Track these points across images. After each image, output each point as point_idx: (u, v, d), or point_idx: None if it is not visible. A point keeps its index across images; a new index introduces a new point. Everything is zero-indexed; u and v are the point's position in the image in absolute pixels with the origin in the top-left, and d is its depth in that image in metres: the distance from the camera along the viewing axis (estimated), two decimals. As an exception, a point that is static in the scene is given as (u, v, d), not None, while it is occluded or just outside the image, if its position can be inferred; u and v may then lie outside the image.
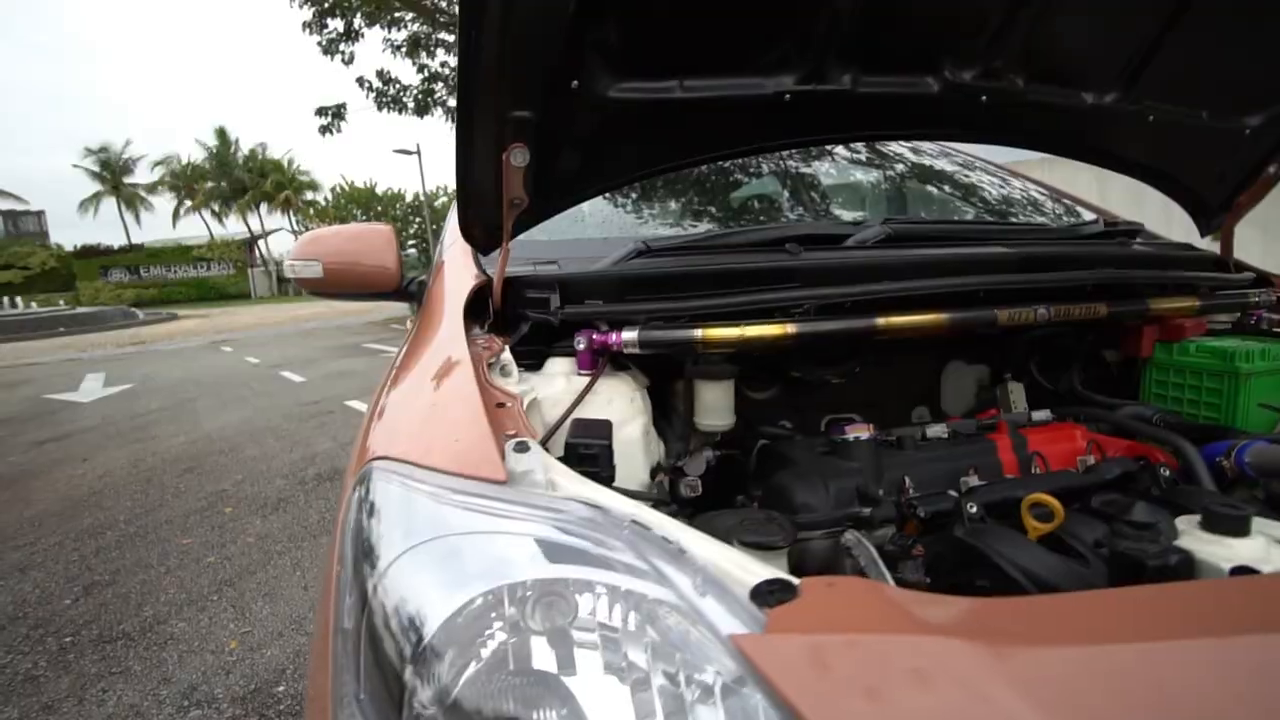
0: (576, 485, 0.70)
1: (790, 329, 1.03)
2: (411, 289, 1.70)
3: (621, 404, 1.08)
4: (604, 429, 0.90)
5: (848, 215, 1.96)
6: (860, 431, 1.05)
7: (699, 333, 1.03)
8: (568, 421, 0.99)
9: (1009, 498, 0.96)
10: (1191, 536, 0.59)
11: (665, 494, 1.06)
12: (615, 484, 0.98)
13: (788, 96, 1.14)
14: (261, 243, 37.59)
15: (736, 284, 1.14)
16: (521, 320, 1.15)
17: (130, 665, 2.33)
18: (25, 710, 2.13)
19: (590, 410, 1.05)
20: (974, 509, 0.88)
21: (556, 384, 1.07)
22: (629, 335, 1.05)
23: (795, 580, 0.52)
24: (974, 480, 1.02)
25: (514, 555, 0.59)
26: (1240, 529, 0.57)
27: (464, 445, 0.73)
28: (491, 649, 0.52)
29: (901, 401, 1.61)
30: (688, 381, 1.16)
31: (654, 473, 1.09)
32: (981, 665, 0.40)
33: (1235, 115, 1.44)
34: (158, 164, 40.33)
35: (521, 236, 1.33)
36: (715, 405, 1.13)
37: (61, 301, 23.83)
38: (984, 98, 1.26)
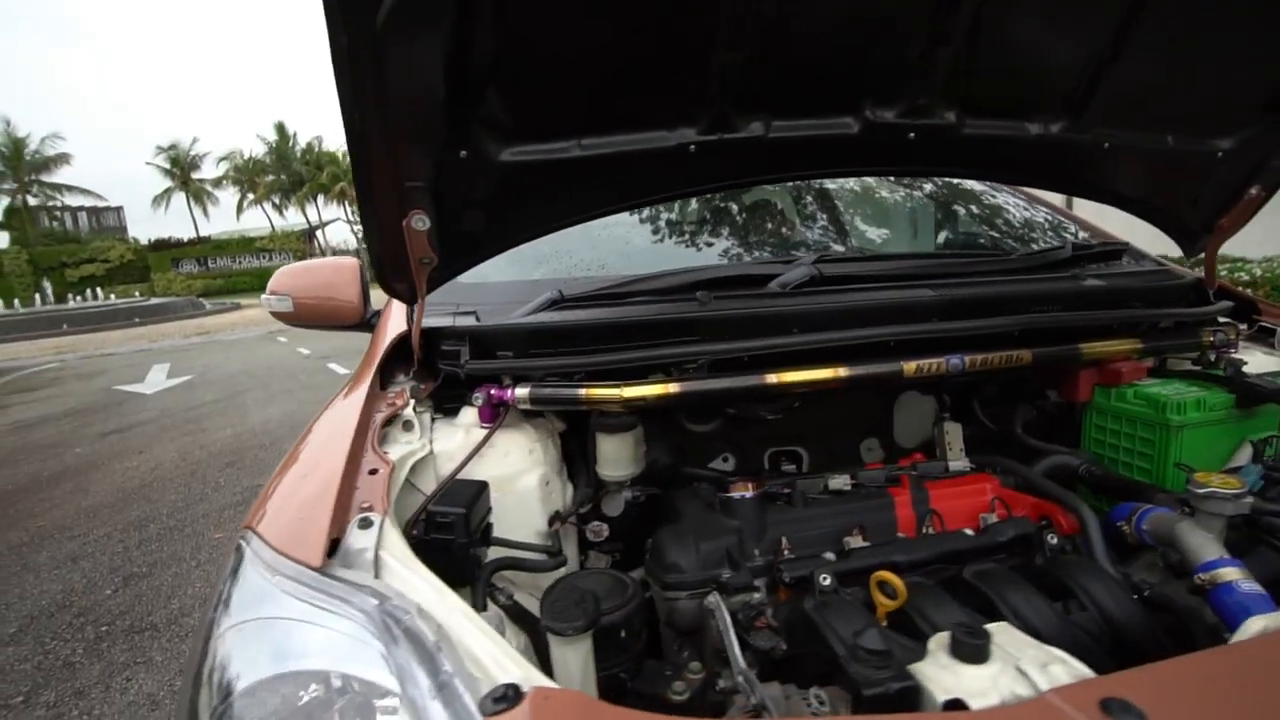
0: (399, 565, 0.75)
1: (672, 389, 1.05)
2: (374, 322, 1.77)
3: (518, 456, 1.12)
4: (469, 493, 0.94)
5: (868, 231, 1.91)
6: (743, 490, 1.06)
7: (583, 392, 1.06)
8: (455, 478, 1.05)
9: (880, 563, 0.96)
10: (933, 660, 0.59)
11: (558, 543, 1.10)
12: (498, 535, 1.04)
13: (692, 148, 1.14)
14: (320, 233, 39.16)
15: (638, 337, 1.16)
16: (439, 371, 1.21)
17: (153, 656, 2.54)
18: (60, 694, 2.36)
19: (488, 463, 1.10)
20: (826, 580, 0.89)
21: (456, 438, 1.12)
22: (521, 392, 1.09)
23: (526, 688, 0.56)
24: (857, 541, 1.02)
25: (304, 643, 0.64)
26: (976, 657, 0.56)
27: (304, 524, 0.78)
28: None
29: (850, 433, 1.60)
30: (592, 432, 1.19)
31: (553, 520, 1.13)
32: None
33: (1203, 139, 1.36)
34: (222, 159, 42.45)
35: (459, 279, 1.38)
36: (614, 457, 1.16)
37: (137, 293, 25.53)
38: (912, 135, 1.23)
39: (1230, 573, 0.84)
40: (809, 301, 1.22)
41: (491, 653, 0.62)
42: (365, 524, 0.80)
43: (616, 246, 1.81)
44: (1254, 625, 0.60)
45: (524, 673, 0.60)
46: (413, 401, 1.15)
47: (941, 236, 1.94)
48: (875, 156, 1.28)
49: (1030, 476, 1.12)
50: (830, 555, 0.98)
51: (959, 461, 1.22)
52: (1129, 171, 1.42)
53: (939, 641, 0.58)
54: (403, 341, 1.28)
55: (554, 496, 1.16)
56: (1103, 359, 1.26)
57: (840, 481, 1.16)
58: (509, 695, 0.55)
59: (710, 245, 1.87)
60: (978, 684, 0.55)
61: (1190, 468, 1.10)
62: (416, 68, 0.89)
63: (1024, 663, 0.54)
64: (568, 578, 0.95)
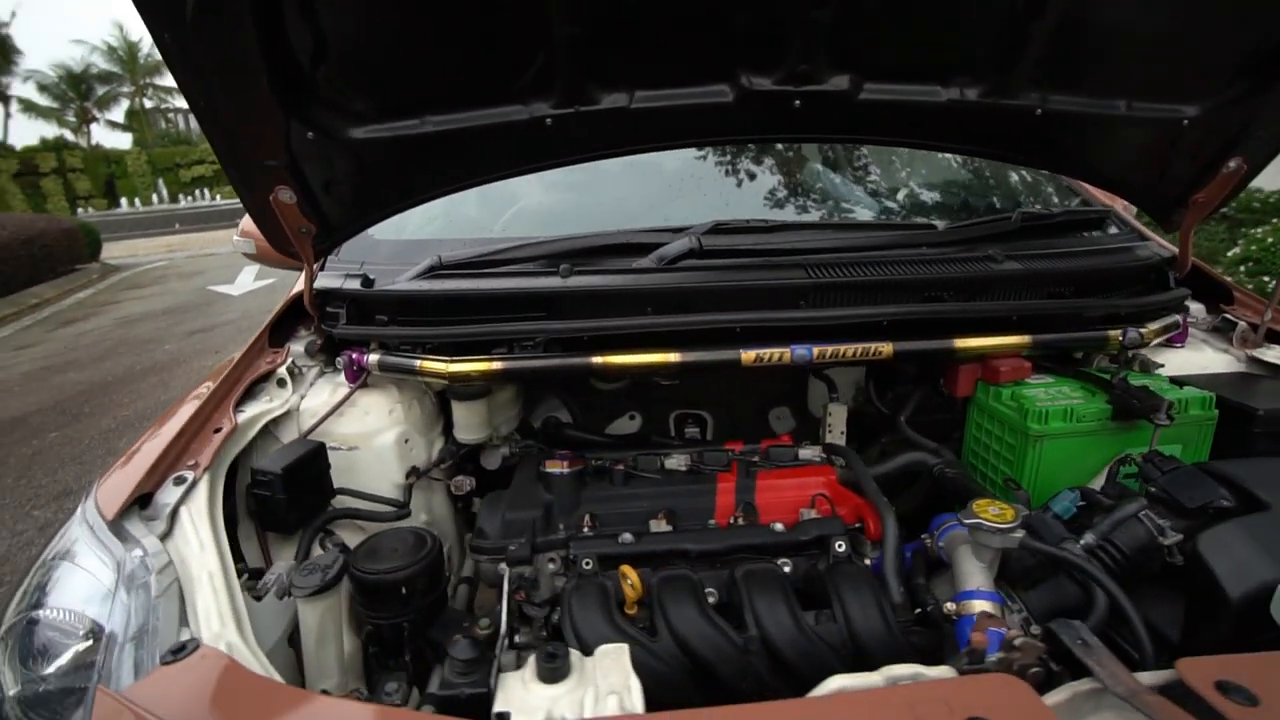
0: (188, 521, 0.86)
1: (497, 365, 1.10)
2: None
3: (378, 416, 1.22)
4: (296, 454, 1.04)
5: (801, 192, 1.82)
6: (558, 466, 1.11)
7: (418, 364, 1.12)
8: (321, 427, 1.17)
9: (669, 550, 1.01)
10: (519, 674, 0.63)
11: (407, 496, 1.20)
12: (351, 487, 1.15)
13: (548, 121, 1.12)
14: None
15: (497, 309, 1.20)
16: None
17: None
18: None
19: (349, 420, 1.21)
20: (588, 564, 0.94)
21: (322, 395, 1.22)
22: (373, 359, 1.17)
23: (202, 643, 0.66)
24: (661, 525, 1.06)
25: (76, 585, 0.78)
26: (550, 677, 0.60)
27: (125, 478, 0.91)
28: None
29: (759, 401, 1.60)
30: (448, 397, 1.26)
31: (409, 474, 1.23)
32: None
33: (1164, 104, 1.20)
34: (316, 63, 43.07)
35: (376, 235, 1.46)
36: (465, 421, 1.23)
37: (241, 196, 27.21)
38: (797, 102, 1.16)
39: (976, 605, 0.83)
40: (674, 279, 1.21)
41: (209, 610, 0.73)
42: (179, 481, 0.92)
43: (573, 200, 1.81)
44: (832, 683, 0.61)
45: (220, 630, 0.71)
46: (290, 360, 1.26)
47: (900, 198, 1.81)
48: (757, 125, 1.21)
49: (858, 474, 1.11)
50: (628, 537, 1.03)
51: (808, 450, 1.21)
52: (1074, 140, 1.28)
53: (535, 657, 0.64)
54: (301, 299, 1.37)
55: (414, 453, 1.25)
56: (985, 355, 1.20)
57: (677, 462, 1.19)
58: (185, 648, 0.66)
59: (668, 199, 1.84)
60: (536, 702, 0.60)
61: (1017, 484, 1.06)
62: (236, 57, 0.92)
63: (590, 691, 0.59)
64: (373, 536, 1.06)
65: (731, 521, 1.08)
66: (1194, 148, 1.24)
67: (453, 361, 1.10)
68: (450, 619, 1.03)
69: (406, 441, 1.23)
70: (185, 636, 0.69)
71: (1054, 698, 0.59)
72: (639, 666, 0.83)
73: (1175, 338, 1.35)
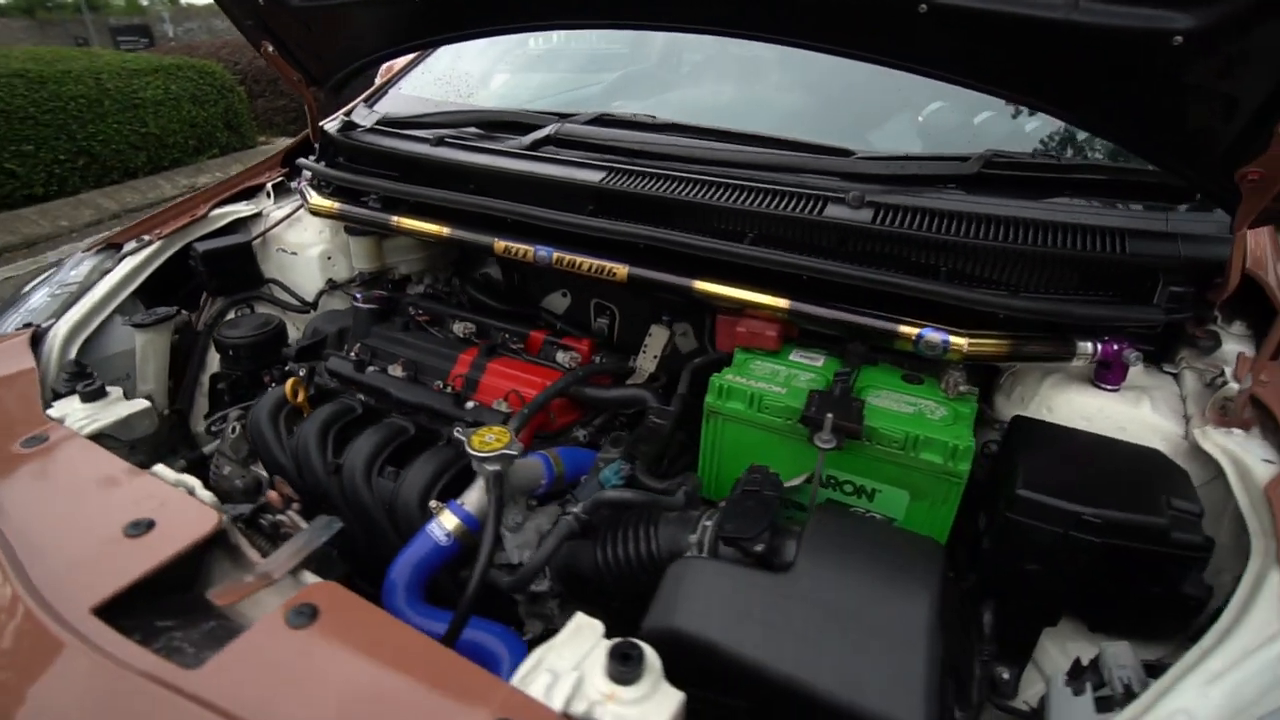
0: (121, 266, 1.36)
1: (335, 208, 1.34)
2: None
3: (311, 232, 1.59)
4: (223, 245, 1.46)
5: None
6: (362, 304, 1.35)
7: (309, 199, 1.43)
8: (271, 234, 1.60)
9: (378, 389, 1.21)
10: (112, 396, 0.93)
11: (317, 299, 1.56)
12: (279, 280, 1.57)
13: None
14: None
15: (374, 164, 1.43)
16: None
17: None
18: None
19: (294, 231, 1.61)
20: (301, 373, 1.20)
21: (285, 209, 1.63)
22: (302, 185, 1.52)
23: (36, 327, 1.14)
24: (398, 371, 1.24)
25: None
26: (87, 399, 0.88)
27: (114, 233, 1.44)
28: None
29: (654, 309, 1.56)
30: None
31: (328, 284, 1.60)
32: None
33: (1134, 7, 0.77)
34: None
35: (406, 92, 1.78)
36: (356, 252, 1.52)
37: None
38: None
39: (444, 513, 0.88)
40: (507, 163, 1.24)
41: (71, 316, 1.21)
42: (139, 240, 1.42)
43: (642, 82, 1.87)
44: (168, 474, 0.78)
45: (63, 326, 1.18)
46: (282, 178, 1.68)
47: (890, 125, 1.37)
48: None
49: (552, 387, 1.11)
50: (372, 369, 1.25)
51: (566, 355, 1.22)
52: (995, 55, 0.88)
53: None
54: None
55: (337, 270, 1.60)
56: (743, 307, 1.01)
57: (460, 329, 1.32)
58: (29, 326, 1.15)
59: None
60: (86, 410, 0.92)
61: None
62: None
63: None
64: (249, 315, 1.45)
65: (441, 388, 1.21)
66: (1214, 87, 0.76)
67: (320, 198, 1.38)
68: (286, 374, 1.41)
69: (330, 259, 1.59)
70: (50, 326, 1.19)
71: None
72: (271, 456, 1.12)
73: (1104, 377, 0.90)
